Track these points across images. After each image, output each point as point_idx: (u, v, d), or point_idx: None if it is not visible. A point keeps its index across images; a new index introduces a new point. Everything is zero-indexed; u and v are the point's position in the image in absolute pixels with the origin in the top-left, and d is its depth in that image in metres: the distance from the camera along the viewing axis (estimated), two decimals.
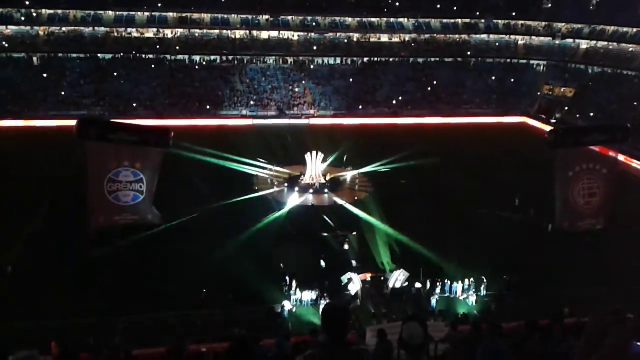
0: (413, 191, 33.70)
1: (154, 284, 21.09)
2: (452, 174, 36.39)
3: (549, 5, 63.07)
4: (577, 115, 53.50)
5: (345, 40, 63.08)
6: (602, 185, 11.41)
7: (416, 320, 4.02)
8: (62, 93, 51.85)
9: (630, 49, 57.34)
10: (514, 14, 63.86)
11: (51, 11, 56.48)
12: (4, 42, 54.85)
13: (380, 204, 31.28)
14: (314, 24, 62.28)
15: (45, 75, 53.23)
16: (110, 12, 58.11)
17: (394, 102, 56.86)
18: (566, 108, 56.10)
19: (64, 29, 57.13)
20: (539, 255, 24.38)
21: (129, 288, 20.90)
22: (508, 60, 64.56)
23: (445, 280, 22.89)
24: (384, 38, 64.28)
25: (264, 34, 61.65)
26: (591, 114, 52.31)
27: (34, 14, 56.11)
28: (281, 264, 23.69)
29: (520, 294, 22.23)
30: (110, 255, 22.11)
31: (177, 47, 58.85)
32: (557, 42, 63.26)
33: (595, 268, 23.40)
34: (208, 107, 53.89)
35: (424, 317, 7.99)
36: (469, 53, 64.29)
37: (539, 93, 60.17)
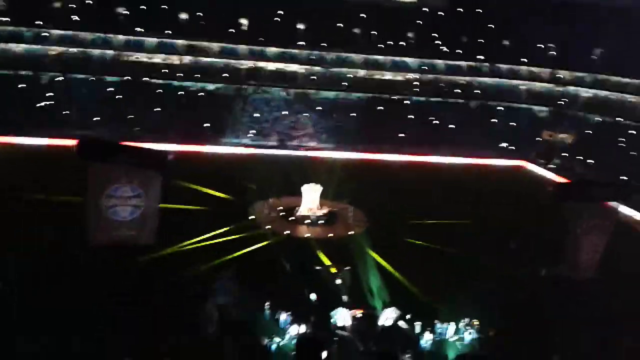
0: (411, 229, 33.71)
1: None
2: (450, 212, 36.41)
3: (554, 53, 63.89)
4: (577, 163, 53.73)
5: (350, 76, 63.75)
6: (605, 240, 11.46)
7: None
8: (67, 113, 52.20)
9: (630, 100, 58.04)
10: (518, 59, 64.54)
11: (62, 32, 57.28)
12: (13, 60, 55.49)
13: (376, 240, 31.20)
14: (320, 58, 63.06)
15: (51, 94, 53.72)
16: (120, 37, 58.95)
17: (394, 139, 57.08)
18: (566, 155, 56.37)
19: (73, 50, 57.85)
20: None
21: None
22: (510, 104, 65.04)
23: (436, 322, 22.55)
24: (389, 76, 64.99)
25: (270, 66, 62.39)
26: (590, 162, 52.56)
27: (45, 34, 56.90)
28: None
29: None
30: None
31: (183, 74, 59.59)
32: (559, 89, 63.93)
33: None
34: (209, 134, 54.21)
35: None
36: (471, 95, 64.86)
37: (539, 138, 60.53)
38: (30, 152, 44.44)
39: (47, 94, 53.49)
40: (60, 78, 55.89)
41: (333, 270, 26.45)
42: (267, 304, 22.27)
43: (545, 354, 20.31)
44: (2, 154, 43.31)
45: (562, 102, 63.18)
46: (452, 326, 22.53)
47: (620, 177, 44.14)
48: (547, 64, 64.15)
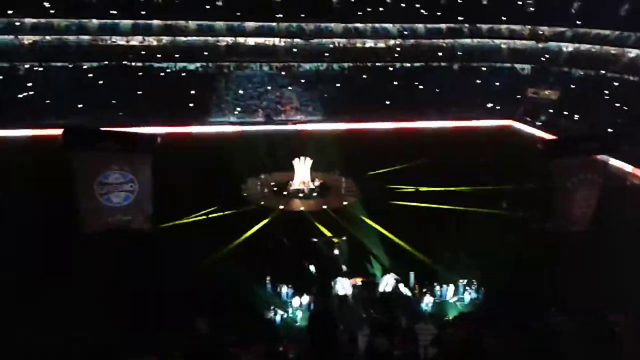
0: (402, 195, 33.92)
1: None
2: (439, 177, 36.54)
3: (533, 9, 63.68)
4: (563, 118, 53.98)
5: (331, 46, 63.21)
6: (597, 194, 11.60)
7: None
8: (47, 102, 51.38)
9: (613, 52, 58.19)
10: (498, 18, 64.24)
11: (35, 20, 56.01)
12: None
13: (370, 209, 31.35)
14: (299, 30, 62.34)
15: (30, 84, 52.80)
16: (94, 21, 57.75)
17: (380, 106, 56.87)
18: (551, 111, 56.60)
19: (48, 38, 56.68)
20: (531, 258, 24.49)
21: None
22: (493, 64, 64.96)
23: (435, 284, 22.85)
24: (370, 44, 64.54)
25: (250, 41, 61.62)
26: (576, 117, 52.84)
27: (18, 24, 55.62)
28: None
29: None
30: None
31: (162, 55, 58.70)
32: (540, 45, 63.86)
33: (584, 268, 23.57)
34: (194, 114, 53.69)
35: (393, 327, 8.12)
36: (454, 57, 64.69)
37: (524, 96, 60.65)
38: (14, 143, 43.79)
39: (26, 84, 52.55)
40: (38, 68, 54.84)
41: (330, 240, 26.62)
42: (267, 278, 22.45)
43: (543, 308, 20.60)
44: None
45: (544, 59, 63.18)
46: (451, 287, 22.90)
47: (608, 130, 44.47)
48: (526, 21, 63.98)
